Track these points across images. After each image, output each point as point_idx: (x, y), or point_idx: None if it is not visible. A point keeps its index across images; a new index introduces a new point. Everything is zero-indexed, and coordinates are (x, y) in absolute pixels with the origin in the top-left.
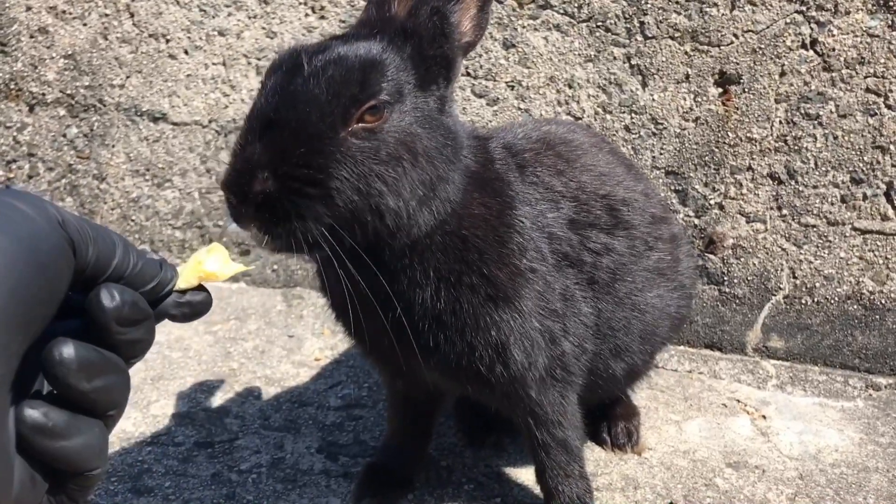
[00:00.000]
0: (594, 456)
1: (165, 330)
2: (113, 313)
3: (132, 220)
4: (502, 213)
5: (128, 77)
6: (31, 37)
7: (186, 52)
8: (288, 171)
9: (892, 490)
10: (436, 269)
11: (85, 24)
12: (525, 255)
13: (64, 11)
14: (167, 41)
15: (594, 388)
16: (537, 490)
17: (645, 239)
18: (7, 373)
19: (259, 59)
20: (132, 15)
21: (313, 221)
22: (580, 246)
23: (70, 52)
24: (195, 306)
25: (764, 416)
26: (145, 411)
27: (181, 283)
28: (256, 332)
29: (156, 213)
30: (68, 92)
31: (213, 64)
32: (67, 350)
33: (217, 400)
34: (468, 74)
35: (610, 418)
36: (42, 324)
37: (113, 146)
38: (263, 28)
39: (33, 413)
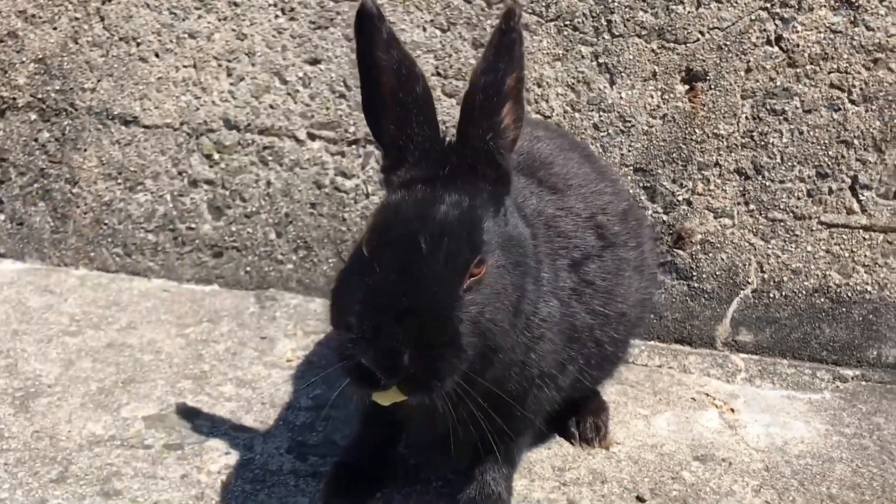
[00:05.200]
0: (562, 451)
1: (137, 333)
2: None
3: (105, 224)
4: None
5: (99, 80)
6: (1, 41)
7: (157, 55)
8: (429, 351)
9: (854, 479)
10: None
11: (55, 28)
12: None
13: (34, 15)
14: (138, 44)
15: (572, 391)
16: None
17: (625, 241)
18: None
19: (230, 62)
20: (102, 18)
21: (451, 378)
22: (579, 281)
23: (40, 57)
24: None
25: (732, 410)
26: (115, 414)
27: None
28: (229, 333)
29: (128, 217)
30: (39, 96)
31: (184, 66)
32: None
33: (188, 402)
34: (438, 74)
35: (579, 413)
36: None
37: (85, 150)
38: (234, 30)
39: None
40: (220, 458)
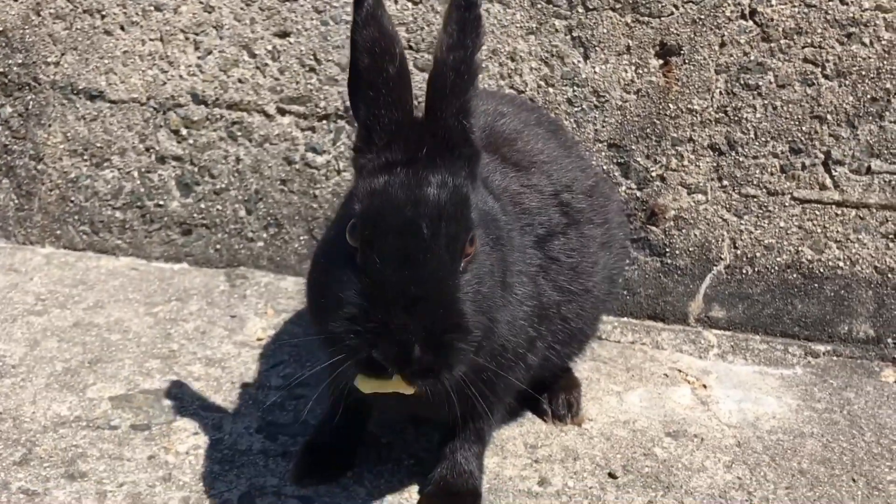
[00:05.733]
0: (535, 428)
1: (104, 312)
2: None
3: (71, 201)
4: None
5: (63, 54)
6: None
7: (122, 28)
8: (440, 341)
9: (825, 454)
10: None
11: (16, 0)
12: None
13: None
14: (102, 17)
15: (541, 370)
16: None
17: (590, 218)
18: None
19: (197, 35)
20: None
21: (462, 366)
22: (545, 258)
23: (1, 29)
24: None
25: (704, 386)
26: (81, 395)
27: None
28: (198, 312)
29: (95, 194)
30: (0, 70)
31: (151, 40)
32: None
33: (155, 382)
34: (410, 48)
35: (551, 391)
36: None
37: (49, 125)
38: (201, 2)
39: None
40: (188, 438)
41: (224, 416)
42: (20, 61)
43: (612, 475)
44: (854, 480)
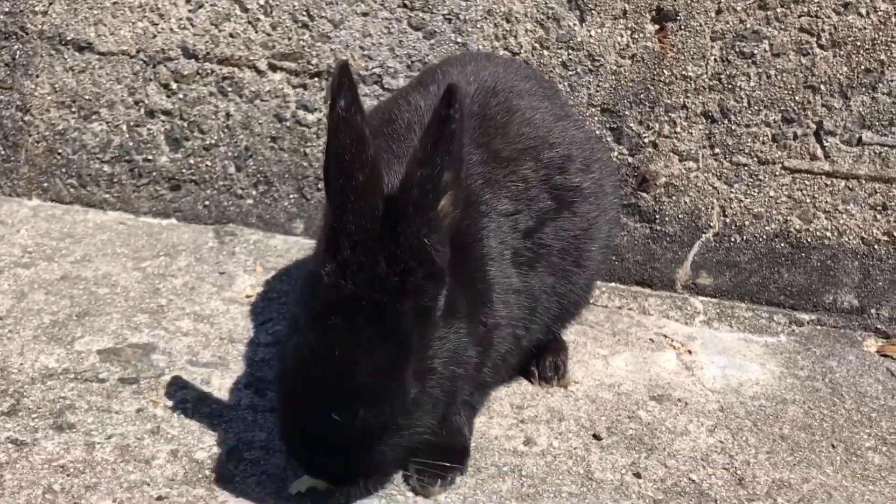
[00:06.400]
0: (521, 389)
1: (92, 266)
2: None
3: (59, 154)
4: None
5: (51, 3)
6: None
7: None
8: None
9: (806, 420)
10: None
11: None
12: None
13: None
14: None
15: (532, 342)
16: None
17: (585, 194)
18: None
19: None
20: None
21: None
22: (535, 247)
23: None
24: None
25: (690, 351)
26: (69, 347)
27: None
28: (186, 268)
29: (83, 147)
30: None
31: None
32: None
33: (144, 337)
34: (404, 6)
35: (539, 353)
36: None
37: (37, 76)
38: None
39: None
40: (176, 392)
41: (213, 371)
42: (7, 10)
43: (596, 436)
44: (833, 446)
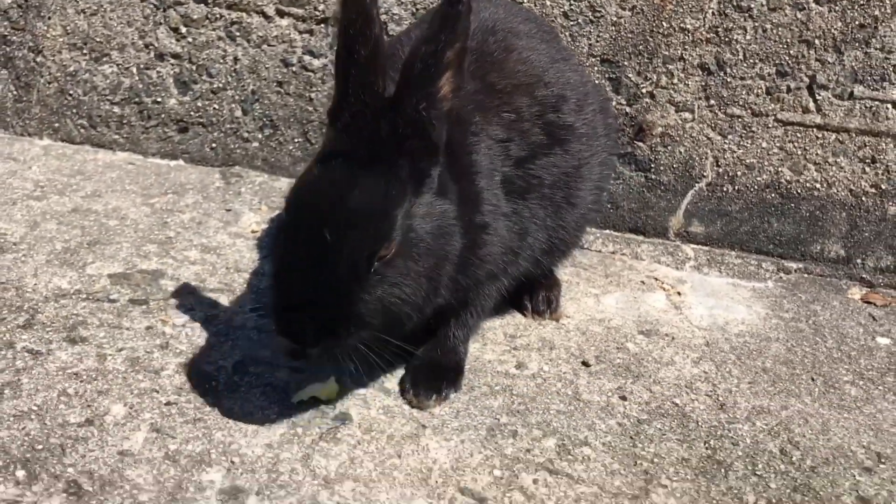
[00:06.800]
0: (515, 321)
1: (102, 200)
2: None
3: (70, 95)
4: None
5: None
6: None
7: None
8: (328, 335)
9: (788, 356)
10: None
11: None
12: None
13: None
14: None
15: (525, 273)
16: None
17: (578, 134)
18: None
19: None
20: None
21: (348, 353)
22: (526, 176)
23: None
24: None
25: (679, 293)
26: (81, 271)
27: None
28: (194, 205)
29: (94, 88)
30: None
31: None
32: None
33: (153, 264)
34: None
35: (532, 288)
36: None
37: (49, 18)
38: None
39: None
40: (184, 313)
41: (220, 295)
42: None
43: (585, 363)
44: (813, 380)
